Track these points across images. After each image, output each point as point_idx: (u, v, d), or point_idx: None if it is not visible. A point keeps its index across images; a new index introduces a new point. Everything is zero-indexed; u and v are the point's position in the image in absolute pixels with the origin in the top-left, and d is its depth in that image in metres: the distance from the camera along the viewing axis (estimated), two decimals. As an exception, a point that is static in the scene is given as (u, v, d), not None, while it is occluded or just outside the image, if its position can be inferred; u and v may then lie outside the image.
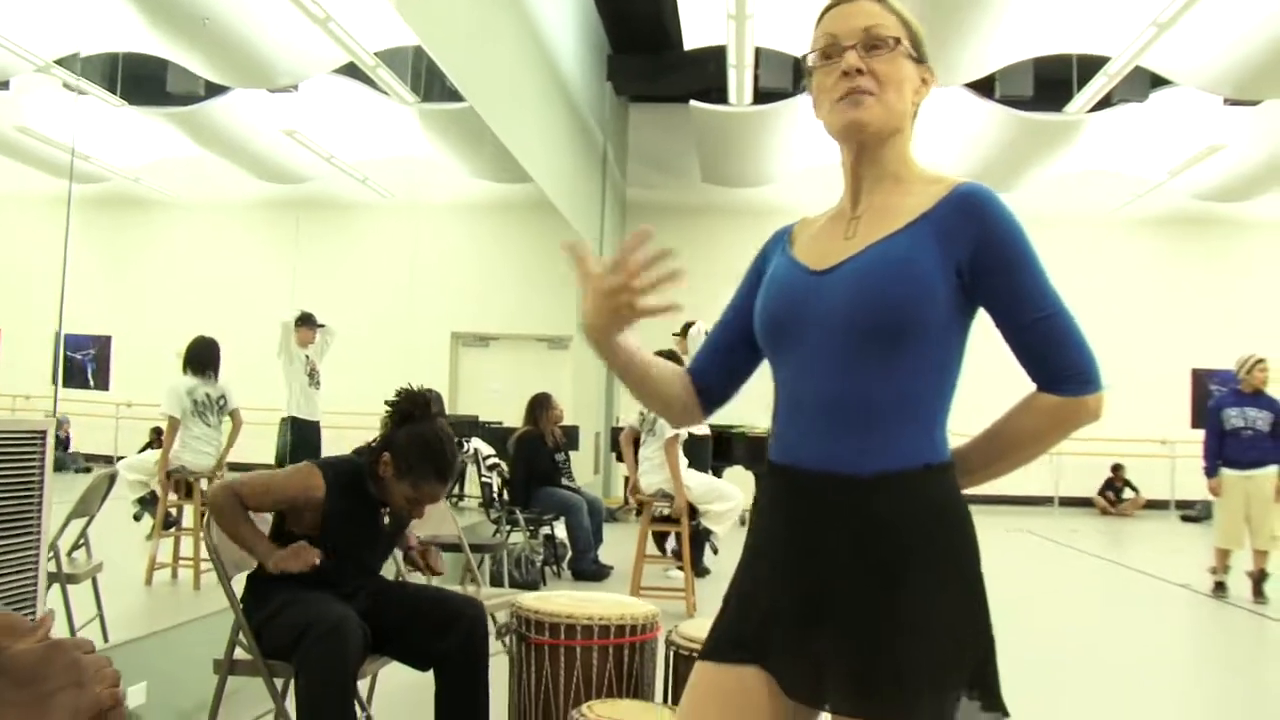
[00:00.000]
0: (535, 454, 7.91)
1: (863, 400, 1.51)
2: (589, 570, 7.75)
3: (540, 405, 8.08)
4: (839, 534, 1.51)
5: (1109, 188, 15.33)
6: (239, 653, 3.04)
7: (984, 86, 12.28)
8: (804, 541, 1.54)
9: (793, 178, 14.46)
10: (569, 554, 7.95)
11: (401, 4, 6.14)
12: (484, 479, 7.71)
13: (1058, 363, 1.52)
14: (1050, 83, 12.41)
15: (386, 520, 3.27)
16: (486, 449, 7.86)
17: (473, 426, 8.64)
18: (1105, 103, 12.20)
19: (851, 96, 1.56)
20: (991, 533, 12.33)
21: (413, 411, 3.20)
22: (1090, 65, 11.43)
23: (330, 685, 2.81)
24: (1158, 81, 12.31)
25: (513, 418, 9.64)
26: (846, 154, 1.64)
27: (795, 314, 1.59)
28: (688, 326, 8.39)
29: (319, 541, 3.04)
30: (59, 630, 1.38)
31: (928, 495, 1.52)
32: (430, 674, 3.17)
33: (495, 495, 7.86)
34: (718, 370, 1.80)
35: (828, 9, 1.64)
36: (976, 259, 1.51)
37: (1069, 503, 15.31)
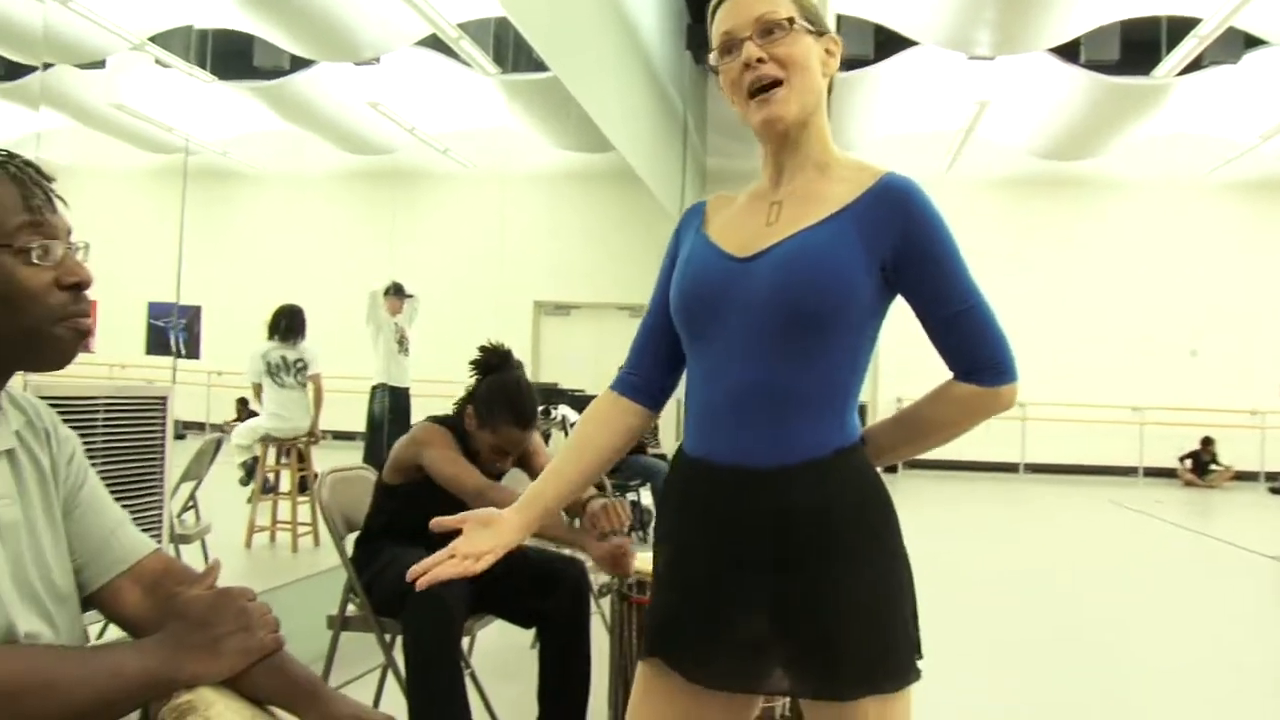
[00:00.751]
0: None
1: (782, 388, 1.52)
2: (673, 536, 7.82)
3: (628, 372, 8.14)
4: (762, 528, 1.52)
5: (1198, 151, 14.91)
6: (350, 609, 3.15)
7: (1069, 51, 12.06)
8: (729, 536, 1.55)
9: (873, 145, 14.31)
10: (653, 519, 8.02)
11: (486, -25, 6.18)
12: (570, 446, 7.81)
13: (976, 354, 1.54)
14: (1138, 45, 12.14)
15: None
16: (574, 416, 7.95)
17: (559, 394, 8.74)
18: (1196, 65, 11.88)
19: (762, 93, 1.59)
20: (1071, 500, 12.11)
21: (493, 362, 3.29)
22: (1180, 27, 11.14)
23: (436, 642, 2.88)
24: (1251, 42, 11.98)
25: (593, 386, 9.73)
26: (767, 145, 1.66)
27: (715, 300, 1.58)
28: None
29: (429, 495, 3.11)
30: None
31: (843, 479, 1.54)
32: (526, 631, 3.22)
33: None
34: (666, 369, 1.76)
35: (717, 6, 1.65)
36: (900, 251, 1.53)
37: (1154, 473, 15.05)
